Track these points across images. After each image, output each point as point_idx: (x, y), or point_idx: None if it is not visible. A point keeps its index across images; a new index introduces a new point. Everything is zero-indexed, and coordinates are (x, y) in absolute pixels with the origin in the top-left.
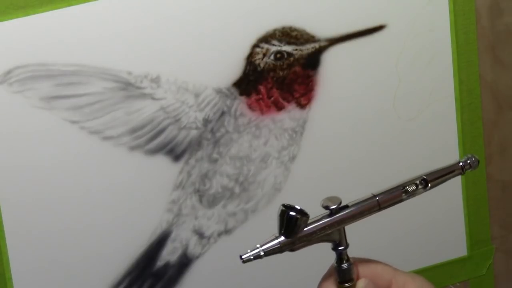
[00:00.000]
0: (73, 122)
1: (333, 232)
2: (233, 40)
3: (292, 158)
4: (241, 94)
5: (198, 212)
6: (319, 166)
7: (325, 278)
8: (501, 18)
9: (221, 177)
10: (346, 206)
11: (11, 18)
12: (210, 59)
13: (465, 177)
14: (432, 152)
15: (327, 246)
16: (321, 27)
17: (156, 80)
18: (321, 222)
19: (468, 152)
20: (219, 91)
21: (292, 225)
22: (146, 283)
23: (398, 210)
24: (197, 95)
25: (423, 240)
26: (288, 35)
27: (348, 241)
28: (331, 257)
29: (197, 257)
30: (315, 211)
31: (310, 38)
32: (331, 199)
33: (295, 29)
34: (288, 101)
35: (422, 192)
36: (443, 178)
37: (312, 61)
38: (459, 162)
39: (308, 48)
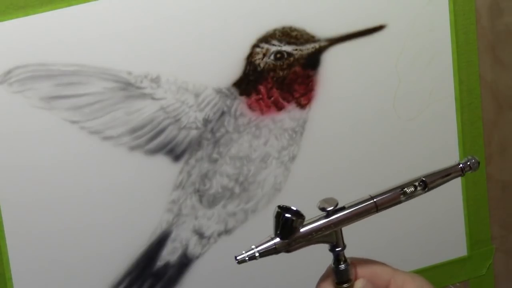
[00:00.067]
0: (73, 122)
1: (330, 234)
2: (233, 40)
3: (292, 158)
4: (241, 94)
5: (198, 212)
6: (319, 166)
7: (322, 279)
8: (501, 18)
9: (221, 177)
10: (343, 208)
11: (11, 18)
12: (210, 59)
13: (465, 177)
14: (432, 152)
15: (326, 246)
16: (321, 27)
17: (156, 80)
18: (317, 224)
19: (468, 152)
20: (219, 91)
21: (288, 227)
22: (146, 283)
23: (398, 210)
24: (197, 95)
25: (423, 240)
26: (288, 35)
27: (348, 241)
28: (330, 257)
29: (197, 257)
30: (315, 211)
31: (310, 38)
32: (328, 200)
33: (295, 29)
34: (288, 101)
35: (421, 194)
36: (443, 180)
37: (312, 61)
38: (459, 164)
39: (308, 48)
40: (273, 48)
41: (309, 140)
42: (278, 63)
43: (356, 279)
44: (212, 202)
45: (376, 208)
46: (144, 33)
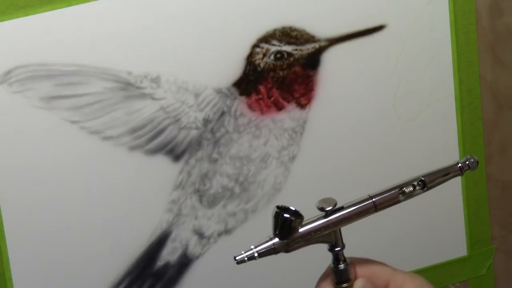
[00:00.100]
0: (73, 122)
1: (329, 234)
2: (233, 40)
3: (292, 158)
4: (241, 94)
5: (198, 212)
6: (319, 166)
7: (322, 278)
8: (501, 18)
9: (221, 177)
10: (342, 208)
11: (11, 18)
12: (210, 59)
13: (465, 177)
14: (432, 152)
15: (325, 246)
16: (321, 27)
17: (156, 80)
18: (315, 224)
19: (468, 152)
20: (219, 91)
21: (287, 227)
22: (146, 283)
23: (398, 210)
24: (197, 95)
25: (423, 240)
26: (288, 35)
27: (348, 241)
28: (330, 255)
29: (197, 257)
30: (315, 212)
31: (310, 38)
32: (326, 200)
33: (295, 29)
34: (288, 101)
35: (420, 194)
36: (442, 179)
37: (312, 61)
38: (457, 163)
39: (308, 48)
40: (273, 48)
41: (309, 140)
42: (278, 63)
43: (355, 278)
44: (212, 202)
45: (375, 207)
46: (144, 33)
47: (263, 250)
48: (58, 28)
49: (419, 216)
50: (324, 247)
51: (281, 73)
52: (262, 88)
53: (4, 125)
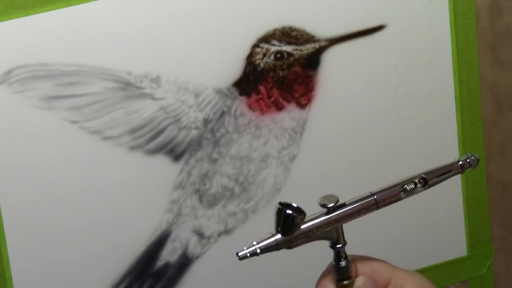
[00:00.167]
0: (73, 122)
1: (331, 230)
2: (233, 40)
3: (292, 158)
4: (241, 94)
5: (198, 212)
6: (319, 166)
7: (323, 276)
8: (501, 18)
9: (221, 177)
10: (344, 205)
11: (11, 18)
12: (210, 59)
13: (465, 177)
14: (432, 152)
15: (326, 244)
16: (321, 27)
17: (156, 80)
18: (318, 220)
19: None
20: (219, 91)
21: (289, 223)
22: (146, 283)
23: (398, 210)
24: (197, 95)
25: (423, 240)
26: (288, 35)
27: (348, 241)
28: (330, 255)
29: (197, 257)
30: (314, 211)
31: (310, 38)
32: (328, 197)
33: (295, 29)
34: (288, 101)
35: (421, 191)
36: (443, 177)
37: (312, 61)
38: (458, 161)
39: (308, 48)
40: (273, 48)
41: (309, 140)
42: (278, 63)
43: (356, 276)
44: (212, 202)
45: (377, 204)
46: (144, 33)
47: (265, 246)
48: (58, 28)
49: (419, 216)
50: (324, 246)
51: (281, 73)
52: (262, 88)
53: (4, 125)
